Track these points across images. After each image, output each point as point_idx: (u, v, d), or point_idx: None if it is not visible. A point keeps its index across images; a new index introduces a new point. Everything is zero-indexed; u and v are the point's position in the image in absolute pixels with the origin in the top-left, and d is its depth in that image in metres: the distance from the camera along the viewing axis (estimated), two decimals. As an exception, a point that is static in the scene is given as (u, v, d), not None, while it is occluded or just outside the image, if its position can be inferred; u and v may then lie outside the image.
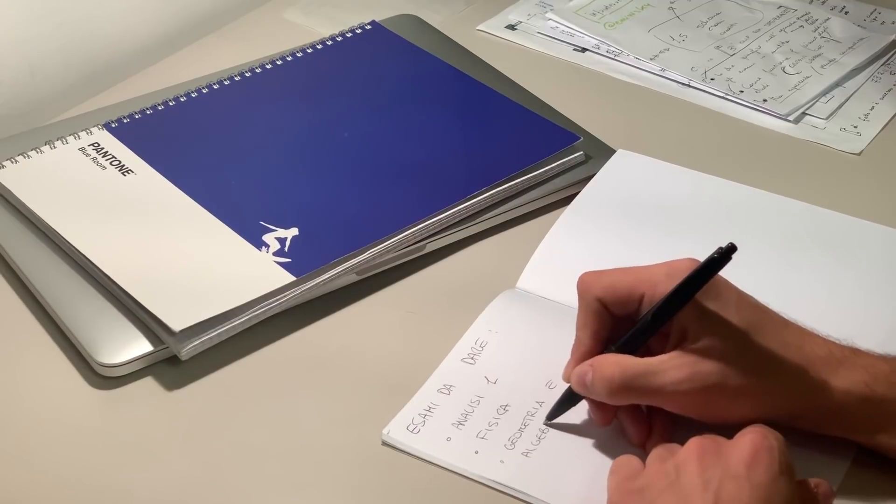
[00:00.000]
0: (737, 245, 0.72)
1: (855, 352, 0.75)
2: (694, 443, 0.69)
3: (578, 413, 0.77)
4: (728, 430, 0.70)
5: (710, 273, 0.73)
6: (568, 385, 0.76)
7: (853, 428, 0.74)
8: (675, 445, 0.71)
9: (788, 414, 0.74)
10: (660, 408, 0.75)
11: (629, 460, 0.72)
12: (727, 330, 0.73)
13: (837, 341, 0.75)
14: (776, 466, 0.67)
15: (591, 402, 0.76)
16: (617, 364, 0.74)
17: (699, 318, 0.73)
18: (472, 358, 0.82)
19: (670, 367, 0.72)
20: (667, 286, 0.73)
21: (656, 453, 0.71)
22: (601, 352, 0.76)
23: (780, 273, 0.88)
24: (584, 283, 0.77)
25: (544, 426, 0.77)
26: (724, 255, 0.72)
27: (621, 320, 0.76)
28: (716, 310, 0.73)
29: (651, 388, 0.73)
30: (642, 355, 0.74)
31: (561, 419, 0.77)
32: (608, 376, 0.73)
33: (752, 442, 0.68)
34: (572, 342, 0.79)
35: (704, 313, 0.73)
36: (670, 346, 0.74)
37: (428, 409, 0.78)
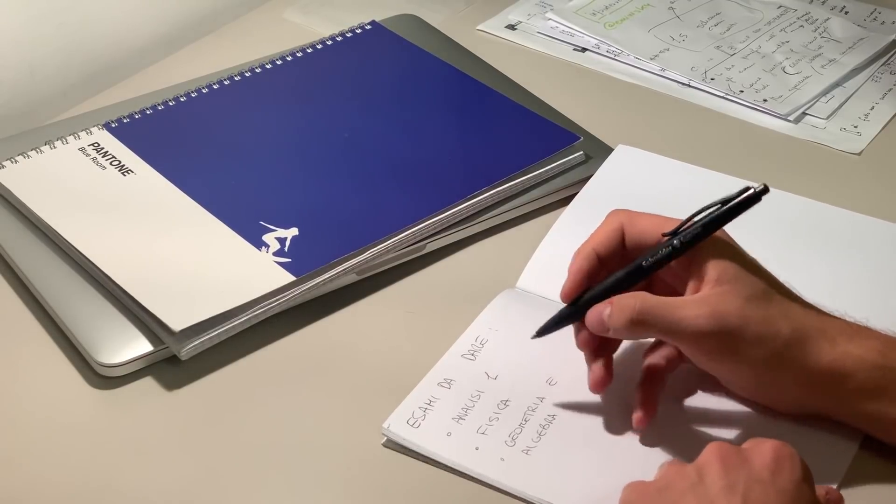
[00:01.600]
0: (769, 187, 0.74)
1: (869, 327, 0.76)
2: (713, 447, 0.69)
3: (578, 412, 0.78)
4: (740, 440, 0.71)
5: (745, 206, 0.74)
6: (566, 306, 0.77)
7: (861, 395, 0.74)
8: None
9: (805, 380, 0.74)
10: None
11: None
12: (750, 277, 0.73)
13: (853, 319, 0.76)
14: (798, 473, 0.67)
15: (590, 347, 0.77)
16: (636, 296, 0.74)
17: (722, 261, 0.74)
18: (472, 354, 0.82)
19: (692, 303, 0.73)
20: None
21: (670, 463, 0.70)
22: (600, 272, 0.76)
23: (780, 267, 0.88)
24: (613, 212, 0.78)
25: (544, 422, 0.77)
26: (760, 194, 0.74)
27: (625, 259, 0.76)
28: (738, 262, 0.74)
29: (671, 320, 0.73)
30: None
31: (561, 417, 0.77)
32: (629, 306, 0.73)
33: (773, 448, 0.68)
34: (572, 340, 0.79)
35: (728, 258, 0.74)
36: (689, 290, 0.74)
37: (428, 402, 0.78)
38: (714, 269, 0.74)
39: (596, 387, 0.77)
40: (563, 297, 0.77)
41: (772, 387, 0.75)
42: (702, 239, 0.74)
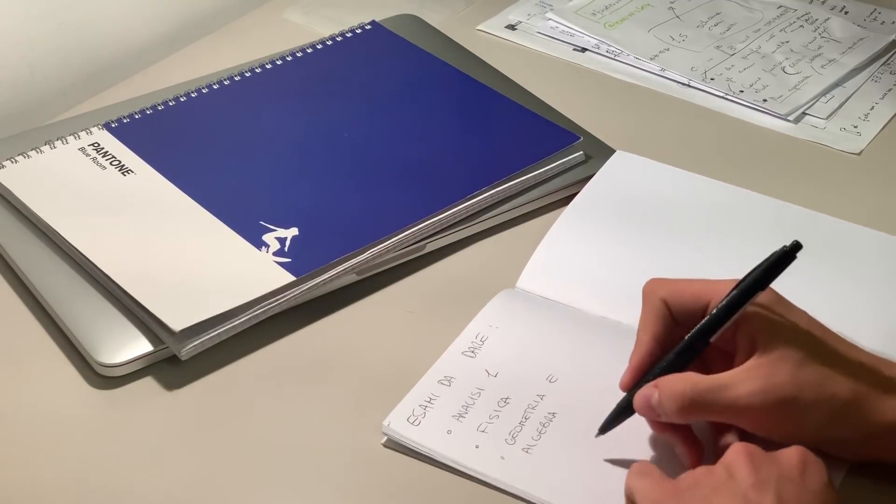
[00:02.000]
0: (801, 243, 0.72)
1: None
2: (739, 446, 0.68)
3: (578, 410, 0.77)
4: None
5: (779, 268, 0.72)
6: (625, 395, 0.74)
7: None
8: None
9: (866, 434, 0.72)
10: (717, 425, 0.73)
11: (649, 465, 0.71)
12: (799, 339, 0.71)
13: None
14: (825, 476, 0.67)
15: (666, 430, 0.74)
16: (685, 380, 0.71)
17: (771, 326, 0.71)
18: (472, 352, 0.82)
19: (743, 380, 0.70)
20: None
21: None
22: (661, 357, 0.74)
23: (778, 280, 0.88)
24: (650, 286, 0.76)
25: (544, 420, 0.77)
26: (792, 251, 0.72)
27: (680, 331, 0.74)
28: (787, 324, 0.72)
29: (724, 403, 0.70)
30: (704, 374, 0.73)
31: (561, 415, 0.77)
32: (679, 392, 0.71)
33: (798, 451, 0.68)
34: (573, 338, 0.79)
35: (775, 322, 0.72)
36: (739, 360, 0.72)
37: (428, 400, 0.78)
38: (762, 335, 0.71)
39: (692, 461, 0.73)
40: (622, 388, 0.75)
41: (833, 443, 0.72)
42: (741, 306, 0.72)
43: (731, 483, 0.66)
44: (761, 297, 0.72)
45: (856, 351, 0.73)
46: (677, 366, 0.73)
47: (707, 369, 0.74)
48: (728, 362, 0.73)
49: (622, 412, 0.75)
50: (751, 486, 0.66)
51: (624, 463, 0.74)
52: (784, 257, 0.72)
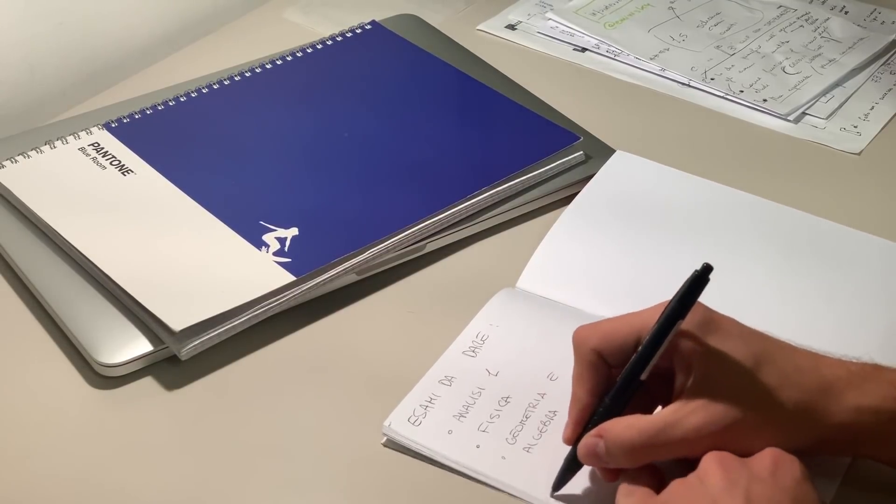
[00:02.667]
0: (712, 266, 0.70)
1: (877, 367, 0.72)
2: (711, 454, 0.68)
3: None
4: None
5: (693, 294, 0.70)
6: (570, 450, 0.73)
7: (882, 442, 0.71)
8: None
9: (817, 439, 0.71)
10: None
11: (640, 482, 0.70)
12: (735, 364, 0.70)
13: (855, 359, 0.72)
14: (798, 472, 0.67)
15: (616, 475, 0.72)
16: (630, 427, 0.70)
17: (702, 355, 0.70)
18: (473, 351, 0.82)
19: (685, 415, 0.69)
20: None
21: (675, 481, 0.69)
22: (597, 407, 0.73)
23: (775, 280, 0.88)
24: (579, 337, 0.74)
25: (545, 419, 0.77)
26: (703, 273, 0.70)
27: (619, 373, 0.73)
28: (719, 345, 0.70)
29: (673, 442, 0.69)
30: (646, 403, 0.72)
31: (562, 414, 0.77)
32: (626, 441, 0.70)
33: (771, 452, 0.68)
34: (573, 338, 0.79)
35: (707, 350, 0.70)
36: (677, 389, 0.71)
37: (429, 400, 0.78)
38: (695, 360, 0.70)
39: (611, 480, 0.72)
40: (566, 442, 0.73)
41: (789, 446, 0.70)
42: (663, 340, 0.70)
43: (703, 490, 0.67)
44: (689, 321, 0.70)
45: (794, 355, 0.72)
46: (616, 409, 0.72)
47: (649, 399, 0.73)
48: (667, 384, 0.72)
49: (571, 466, 0.73)
50: (721, 490, 0.66)
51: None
52: (697, 281, 0.70)
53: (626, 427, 0.70)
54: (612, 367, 0.73)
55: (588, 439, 0.71)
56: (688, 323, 0.70)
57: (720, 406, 0.69)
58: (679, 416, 0.69)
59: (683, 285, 0.70)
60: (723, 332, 0.71)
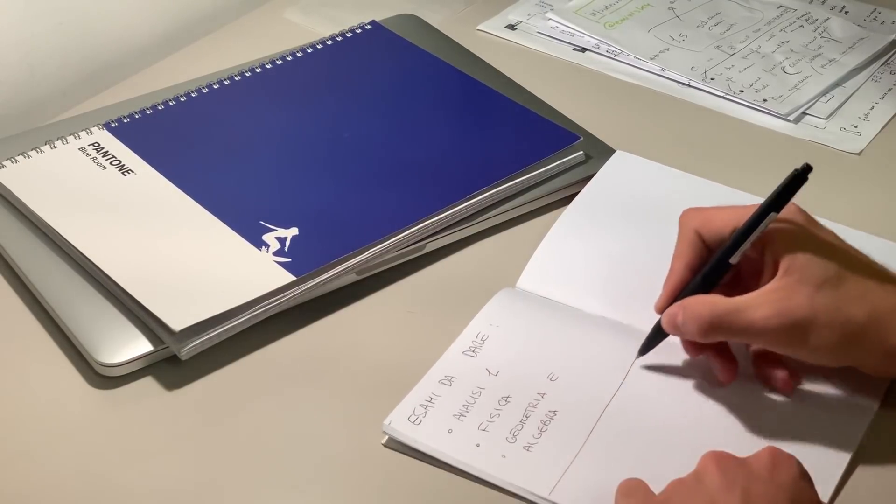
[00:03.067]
0: (812, 165, 0.75)
1: None
2: (709, 454, 0.69)
3: (579, 407, 0.78)
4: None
5: (791, 190, 0.75)
6: (658, 319, 0.78)
7: None
8: None
9: (874, 351, 0.75)
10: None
11: (640, 483, 0.71)
12: (820, 261, 0.74)
13: None
14: (796, 470, 0.68)
15: (696, 348, 0.78)
16: (706, 303, 0.75)
17: (791, 249, 0.74)
18: (473, 351, 0.82)
19: (759, 304, 0.74)
20: None
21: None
22: (690, 282, 0.78)
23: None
24: (685, 217, 0.80)
25: (545, 418, 0.77)
26: (803, 173, 0.74)
27: (714, 254, 0.78)
28: (806, 247, 0.74)
29: (740, 326, 0.74)
30: (736, 291, 0.76)
31: (562, 413, 0.77)
32: (698, 315, 0.75)
33: (769, 450, 0.69)
34: (573, 337, 0.79)
35: (797, 244, 0.74)
36: (763, 281, 0.75)
37: (429, 399, 0.78)
38: (783, 257, 0.74)
39: (726, 377, 0.78)
40: (657, 310, 0.79)
41: (848, 360, 0.76)
42: (755, 228, 0.75)
43: (701, 489, 0.67)
44: (789, 217, 0.76)
45: (879, 273, 0.75)
46: (704, 287, 0.77)
47: (742, 289, 0.76)
48: (758, 281, 0.76)
49: (656, 334, 0.79)
50: (719, 489, 0.67)
51: (624, 461, 0.74)
52: (796, 179, 0.75)
53: (702, 303, 0.76)
54: (710, 249, 0.78)
55: (671, 308, 0.77)
56: (785, 220, 0.76)
57: (793, 303, 0.73)
58: (753, 303, 0.74)
59: (783, 182, 0.75)
60: (814, 240, 0.76)
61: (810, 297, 0.73)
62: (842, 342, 0.74)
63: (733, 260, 0.77)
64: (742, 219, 0.77)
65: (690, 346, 0.79)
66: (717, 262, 0.77)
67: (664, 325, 0.78)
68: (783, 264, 0.74)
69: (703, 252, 0.78)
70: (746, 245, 0.76)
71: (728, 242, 0.77)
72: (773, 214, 0.75)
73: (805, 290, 0.73)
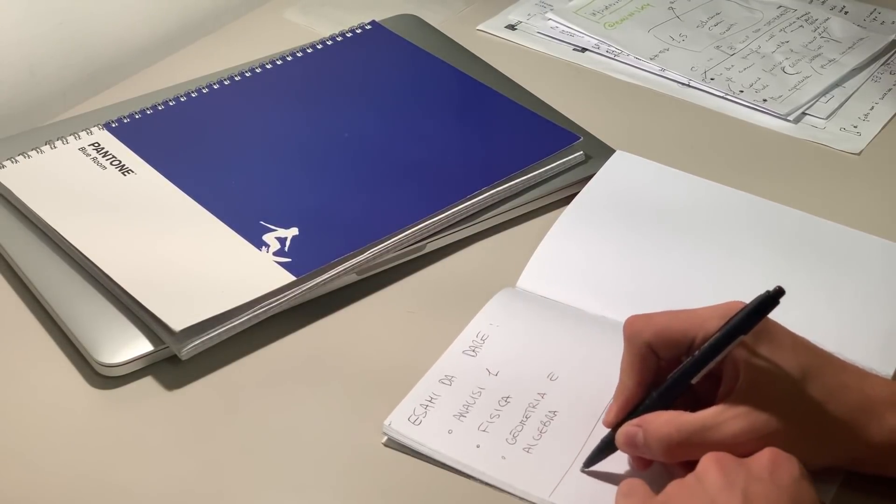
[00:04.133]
0: (784, 289, 0.70)
1: None
2: (710, 455, 0.69)
3: (579, 408, 0.78)
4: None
5: (760, 314, 0.71)
6: (609, 432, 0.74)
7: None
8: None
9: (852, 458, 0.72)
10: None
11: (640, 483, 0.71)
12: (782, 375, 0.71)
13: None
14: (797, 470, 0.67)
15: (647, 465, 0.74)
16: (670, 423, 0.71)
17: (752, 363, 0.71)
18: (473, 350, 0.82)
19: (726, 420, 0.70)
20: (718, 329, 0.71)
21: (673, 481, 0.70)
22: (644, 397, 0.74)
23: (774, 280, 0.88)
24: (633, 327, 0.74)
25: (545, 419, 0.77)
26: (774, 296, 0.70)
27: (666, 365, 0.74)
28: (769, 354, 0.71)
29: (709, 444, 0.70)
30: (689, 398, 0.73)
31: (562, 414, 0.77)
32: (664, 436, 0.71)
33: (769, 451, 0.68)
34: (574, 337, 0.79)
35: (757, 358, 0.71)
36: (723, 392, 0.72)
37: (429, 399, 0.78)
38: (745, 369, 0.71)
39: (643, 469, 0.73)
40: (606, 425, 0.75)
41: (825, 462, 0.72)
42: (722, 350, 0.71)
43: (701, 490, 0.67)
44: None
45: (841, 372, 0.73)
46: (662, 405, 0.73)
47: (692, 390, 0.73)
48: (714, 383, 0.73)
49: (605, 447, 0.74)
50: (719, 490, 0.66)
51: (624, 462, 0.74)
52: (767, 302, 0.71)
53: (665, 422, 0.71)
54: (661, 360, 0.74)
55: (628, 427, 0.72)
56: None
57: (762, 415, 0.70)
58: (720, 419, 0.70)
59: (752, 302, 0.71)
60: (775, 343, 0.71)
61: (778, 410, 0.70)
62: (814, 449, 0.71)
63: (695, 381, 0.72)
64: (698, 328, 0.72)
65: (641, 461, 0.73)
66: (676, 383, 0.72)
67: (620, 444, 0.73)
68: (745, 374, 0.70)
69: (655, 365, 0.74)
70: (709, 367, 0.71)
71: (689, 362, 0.72)
72: (741, 338, 0.70)
73: (771, 404, 0.70)
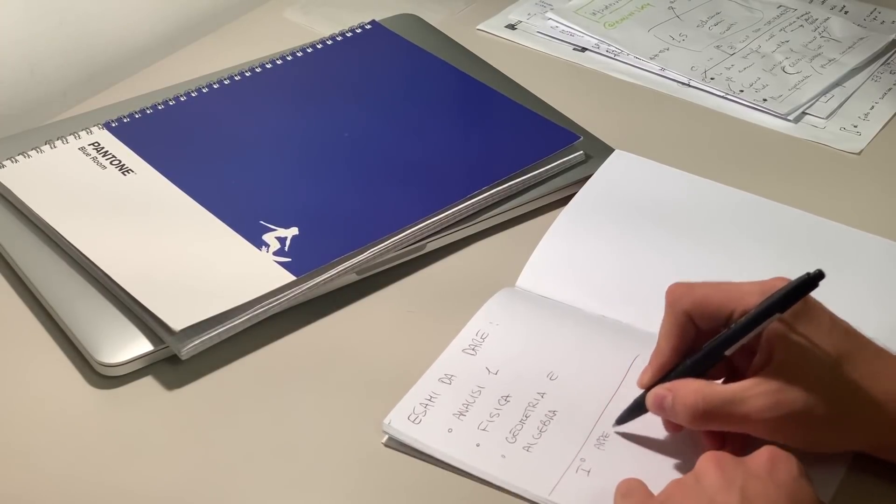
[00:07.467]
0: (824, 272, 0.71)
1: None
2: (709, 455, 0.69)
3: (579, 407, 0.78)
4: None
5: (798, 294, 0.71)
6: (641, 393, 0.75)
7: None
8: None
9: (877, 445, 0.72)
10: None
11: (638, 483, 0.71)
12: (816, 355, 0.71)
13: None
14: (795, 469, 0.68)
15: (677, 430, 0.75)
16: (698, 392, 0.72)
17: (788, 340, 0.71)
18: (472, 349, 0.82)
19: (754, 395, 0.70)
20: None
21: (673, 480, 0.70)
22: (679, 363, 0.74)
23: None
24: (674, 295, 0.75)
25: (545, 418, 0.77)
26: (814, 279, 0.70)
27: (704, 334, 0.74)
28: (805, 334, 0.71)
29: (734, 417, 0.71)
30: (727, 370, 0.73)
31: (561, 413, 0.77)
32: (691, 404, 0.72)
33: (768, 450, 0.68)
34: (573, 336, 0.79)
35: (794, 335, 0.71)
36: (755, 367, 0.72)
37: (429, 398, 0.78)
38: (779, 346, 0.71)
39: (714, 446, 0.74)
40: (640, 386, 0.76)
41: (848, 446, 0.73)
42: (757, 326, 0.71)
43: (699, 489, 0.67)
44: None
45: (875, 359, 0.73)
46: (694, 372, 0.74)
47: (729, 363, 0.74)
48: (748, 356, 0.73)
49: (637, 408, 0.76)
50: (718, 489, 0.66)
51: (624, 461, 0.74)
52: (806, 284, 0.71)
53: (694, 391, 0.72)
54: (699, 330, 0.74)
55: (659, 390, 0.74)
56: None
57: (791, 394, 0.70)
58: (748, 393, 0.71)
59: (792, 282, 0.71)
60: (813, 323, 0.72)
61: (806, 391, 0.70)
62: (839, 435, 0.71)
63: (728, 352, 0.73)
64: (737, 302, 0.73)
65: (672, 424, 0.75)
66: (711, 353, 0.73)
67: (650, 406, 0.74)
68: (778, 353, 0.71)
69: (693, 333, 0.74)
70: (744, 341, 0.72)
71: (725, 334, 0.73)
72: (777, 315, 0.71)
73: (801, 384, 0.70)
